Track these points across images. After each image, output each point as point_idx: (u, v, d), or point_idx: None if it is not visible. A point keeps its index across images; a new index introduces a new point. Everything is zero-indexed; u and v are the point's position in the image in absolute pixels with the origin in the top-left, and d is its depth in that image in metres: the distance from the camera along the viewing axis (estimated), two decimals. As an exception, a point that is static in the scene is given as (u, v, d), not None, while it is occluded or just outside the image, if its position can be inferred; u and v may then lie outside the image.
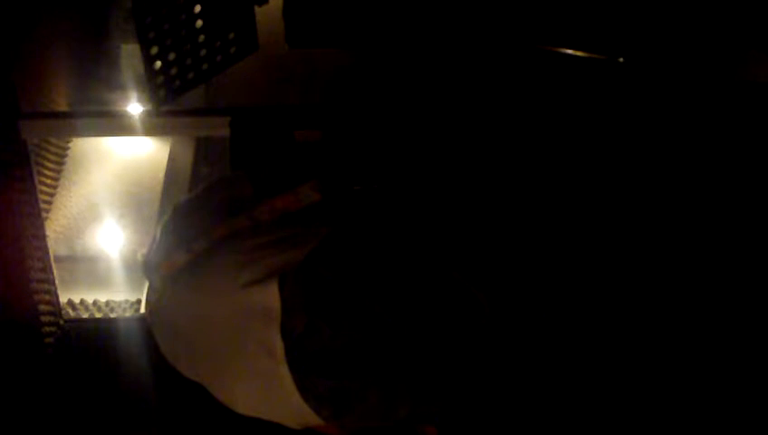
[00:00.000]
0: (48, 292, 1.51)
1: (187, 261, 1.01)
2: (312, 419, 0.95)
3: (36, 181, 1.52)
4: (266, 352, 0.92)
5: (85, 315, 1.57)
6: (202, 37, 1.42)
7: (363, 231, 0.99)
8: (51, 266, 1.52)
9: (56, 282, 1.53)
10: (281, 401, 0.94)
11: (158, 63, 1.38)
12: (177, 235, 1.04)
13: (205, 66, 1.46)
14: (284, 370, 0.92)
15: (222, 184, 1.10)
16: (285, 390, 0.93)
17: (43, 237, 1.50)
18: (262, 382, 0.95)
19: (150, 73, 1.38)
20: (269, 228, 1.00)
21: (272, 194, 1.02)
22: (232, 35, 1.47)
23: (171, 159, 1.75)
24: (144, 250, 1.09)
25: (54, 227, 1.66)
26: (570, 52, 1.47)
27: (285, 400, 0.93)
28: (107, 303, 1.58)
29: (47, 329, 1.49)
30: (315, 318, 0.91)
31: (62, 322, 1.52)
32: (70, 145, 1.77)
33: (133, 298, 1.58)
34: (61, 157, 1.74)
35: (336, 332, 0.90)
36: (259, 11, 1.50)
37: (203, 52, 1.44)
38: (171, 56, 1.39)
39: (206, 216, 1.04)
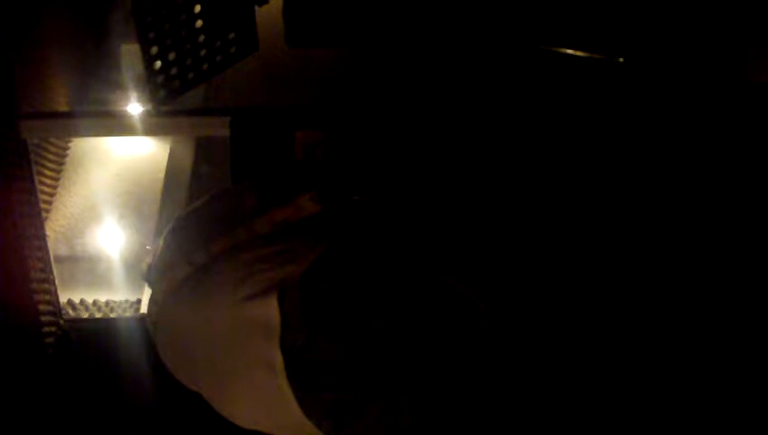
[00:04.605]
0: (48, 292, 1.51)
1: (187, 274, 1.01)
2: (313, 432, 0.95)
3: (36, 181, 1.52)
4: (266, 366, 0.92)
5: (85, 315, 1.57)
6: (202, 37, 1.42)
7: (363, 242, 0.98)
8: (51, 266, 1.52)
9: (56, 282, 1.53)
10: (281, 414, 0.94)
11: (158, 63, 1.38)
12: (177, 247, 1.04)
13: (205, 66, 1.46)
14: (284, 383, 0.91)
15: (223, 196, 1.10)
16: (286, 403, 0.92)
17: (43, 237, 1.50)
18: (262, 396, 0.95)
19: (150, 73, 1.38)
20: (268, 241, 0.99)
21: (271, 206, 1.02)
22: (232, 35, 1.47)
23: (171, 159, 1.75)
24: (146, 261, 1.09)
25: (54, 227, 1.66)
26: (570, 52, 1.47)
27: (286, 413, 0.93)
28: (107, 303, 1.59)
29: (47, 329, 1.49)
30: (315, 331, 0.90)
31: (62, 322, 1.52)
32: (70, 145, 1.77)
33: (133, 298, 1.58)
34: (61, 157, 1.74)
35: (336, 344, 0.90)
36: (259, 11, 1.50)
37: (203, 52, 1.44)
38: (171, 56, 1.39)
39: (207, 228, 1.03)
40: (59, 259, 1.59)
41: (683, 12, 1.44)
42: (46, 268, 1.51)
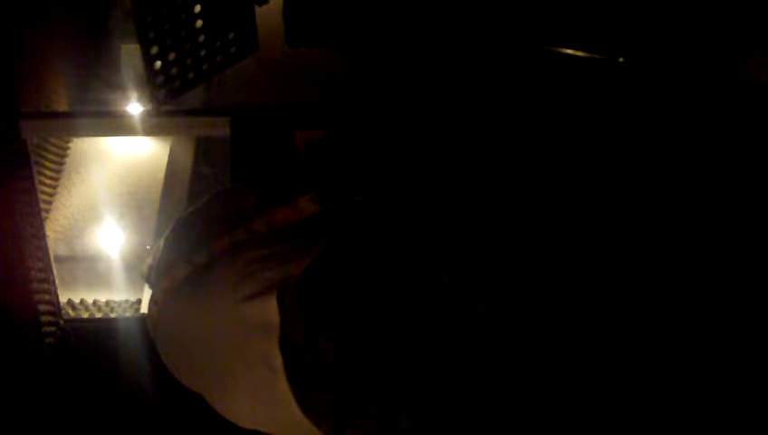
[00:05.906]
0: (48, 292, 1.51)
1: (187, 274, 1.01)
2: (313, 432, 0.95)
3: (36, 181, 1.52)
4: (266, 366, 0.92)
5: (85, 315, 1.57)
6: (202, 37, 1.42)
7: (363, 243, 0.98)
8: (51, 266, 1.52)
9: (56, 282, 1.52)
10: (281, 414, 0.94)
11: (158, 63, 1.38)
12: (178, 247, 1.04)
13: (205, 66, 1.46)
14: (284, 383, 0.91)
15: (224, 196, 1.10)
16: (285, 403, 0.92)
17: (43, 237, 1.50)
18: (262, 396, 0.95)
19: (150, 73, 1.38)
20: (268, 241, 0.99)
21: (271, 206, 1.02)
22: (232, 35, 1.47)
23: (171, 159, 1.75)
24: (146, 262, 1.09)
25: (54, 227, 1.66)
26: (570, 52, 1.47)
27: (285, 413, 0.93)
28: (107, 303, 1.58)
29: (47, 329, 1.49)
30: (315, 331, 0.90)
31: (62, 322, 1.52)
32: (70, 145, 1.77)
33: (133, 298, 1.58)
34: (61, 157, 1.74)
35: (336, 344, 0.90)
36: (259, 11, 1.50)
37: (203, 52, 1.44)
38: (171, 56, 1.39)
39: (207, 228, 1.03)
40: (59, 259, 1.59)
41: (682, 12, 1.44)
42: (46, 268, 1.51)
